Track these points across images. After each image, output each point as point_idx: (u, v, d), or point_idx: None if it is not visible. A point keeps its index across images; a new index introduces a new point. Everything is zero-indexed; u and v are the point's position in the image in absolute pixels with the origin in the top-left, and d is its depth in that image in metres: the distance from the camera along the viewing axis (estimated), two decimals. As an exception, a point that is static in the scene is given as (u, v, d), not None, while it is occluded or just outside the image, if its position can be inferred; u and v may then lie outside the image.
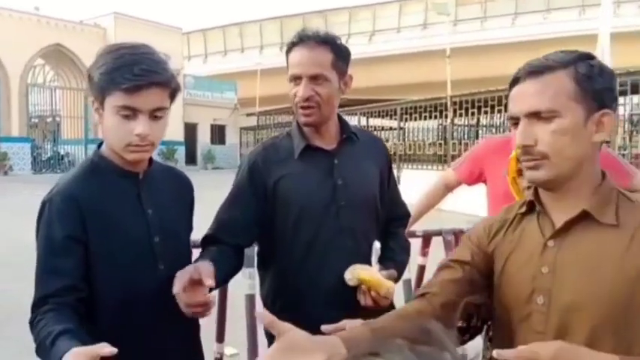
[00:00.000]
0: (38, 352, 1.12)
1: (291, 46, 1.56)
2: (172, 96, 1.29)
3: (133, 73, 1.19)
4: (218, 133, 29.47)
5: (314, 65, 1.51)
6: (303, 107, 1.54)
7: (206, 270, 1.26)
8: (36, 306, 1.18)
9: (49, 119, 23.42)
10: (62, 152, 22.80)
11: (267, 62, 27.07)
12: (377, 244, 1.59)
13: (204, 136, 28.42)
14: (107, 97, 1.23)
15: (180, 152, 25.09)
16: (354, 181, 1.60)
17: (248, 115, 25.98)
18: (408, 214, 1.85)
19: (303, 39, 1.54)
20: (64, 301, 1.17)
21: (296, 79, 1.54)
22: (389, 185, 1.74)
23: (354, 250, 1.57)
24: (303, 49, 1.53)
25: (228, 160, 28.47)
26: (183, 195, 1.49)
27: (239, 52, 32.80)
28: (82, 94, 22.26)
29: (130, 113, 1.23)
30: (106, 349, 0.98)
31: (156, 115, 1.25)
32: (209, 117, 27.77)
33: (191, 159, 26.92)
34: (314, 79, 1.52)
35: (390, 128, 15.58)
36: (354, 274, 1.50)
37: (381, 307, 1.46)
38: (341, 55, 1.56)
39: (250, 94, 27.29)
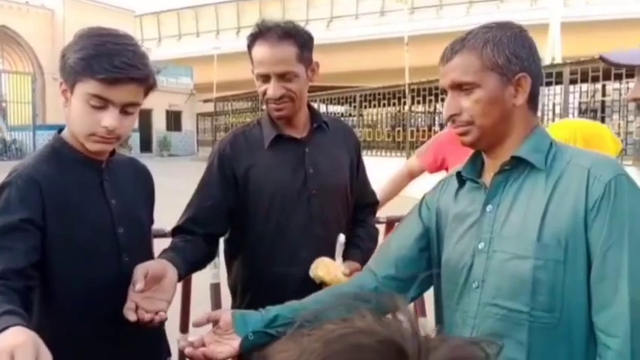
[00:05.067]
0: None
1: (253, 39, 1.52)
2: (148, 91, 1.24)
3: (113, 64, 1.13)
4: (174, 120, 28.86)
5: (281, 63, 1.48)
6: (275, 104, 1.52)
7: (140, 272, 1.19)
8: None
9: (-6, 104, 22.38)
10: (9, 139, 21.86)
11: (224, 47, 26.61)
12: (341, 238, 1.60)
13: (159, 123, 27.77)
14: (79, 82, 1.17)
15: (135, 139, 24.44)
16: (325, 169, 1.61)
17: (205, 101, 25.53)
18: (376, 202, 1.87)
19: (263, 31, 1.50)
20: (13, 286, 1.06)
21: (263, 77, 1.51)
22: (358, 173, 1.75)
23: (325, 239, 1.57)
24: (267, 46, 1.49)
25: (184, 147, 27.97)
26: (145, 186, 1.46)
27: (194, 37, 32.09)
28: (30, 78, 21.40)
29: (102, 104, 1.17)
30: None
31: (127, 110, 1.21)
32: (164, 103, 27.09)
33: (146, 146, 26.30)
34: (282, 76, 1.49)
35: (350, 115, 15.64)
36: (314, 272, 1.53)
37: None
38: (305, 45, 1.53)
39: (207, 79, 26.79)
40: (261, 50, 1.50)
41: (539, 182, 1.05)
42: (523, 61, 1.06)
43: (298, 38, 1.51)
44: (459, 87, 1.08)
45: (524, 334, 1.02)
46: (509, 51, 1.05)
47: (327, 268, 1.51)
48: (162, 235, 1.91)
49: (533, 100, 1.10)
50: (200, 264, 1.55)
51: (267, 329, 1.16)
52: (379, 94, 13.77)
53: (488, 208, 1.10)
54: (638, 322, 0.96)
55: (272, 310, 1.19)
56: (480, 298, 1.08)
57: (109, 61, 1.13)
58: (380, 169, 3.57)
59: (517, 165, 1.08)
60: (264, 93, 1.52)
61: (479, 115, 1.07)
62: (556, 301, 1.01)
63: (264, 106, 1.61)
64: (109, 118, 1.17)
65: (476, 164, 1.17)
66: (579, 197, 1.00)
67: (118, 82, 1.15)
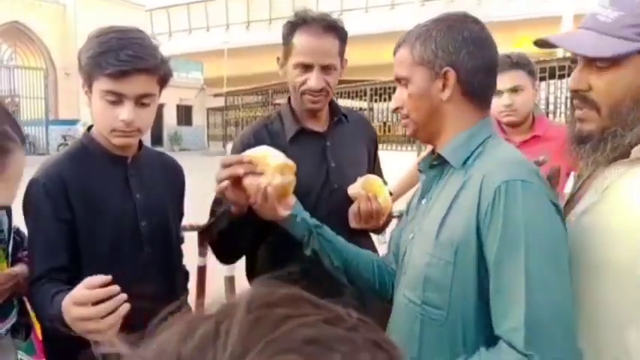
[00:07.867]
0: (39, 316, 1.24)
1: (293, 28, 1.51)
2: (162, 82, 1.29)
3: (118, 58, 1.18)
4: (184, 114, 28.97)
5: (326, 55, 1.49)
6: (313, 95, 1.51)
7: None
8: (32, 284, 1.24)
9: (8, 100, 22.55)
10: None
11: (234, 41, 26.66)
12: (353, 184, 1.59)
13: (170, 117, 27.88)
14: (94, 81, 1.23)
15: (146, 133, 24.50)
16: (346, 163, 1.61)
17: (215, 95, 25.60)
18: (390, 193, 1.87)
19: (308, 21, 1.50)
20: (57, 277, 1.22)
21: (305, 67, 1.50)
22: (374, 166, 1.75)
23: (344, 233, 1.56)
24: (312, 36, 1.49)
25: (195, 141, 28.07)
26: (173, 181, 1.49)
27: (204, 31, 32.17)
28: (42, 73, 21.58)
29: (116, 99, 1.22)
30: (99, 278, 1.04)
31: (142, 101, 1.25)
32: (175, 97, 27.20)
33: (157, 140, 26.40)
34: (325, 68, 1.49)
35: (360, 109, 15.60)
36: (360, 180, 1.54)
37: (371, 226, 1.52)
38: (344, 40, 1.55)
39: (217, 74, 26.88)
40: (305, 39, 1.49)
41: (456, 181, 1.05)
42: (451, 55, 1.05)
43: (340, 32, 1.53)
44: (399, 81, 1.12)
45: (417, 327, 1.05)
46: (435, 45, 1.06)
47: (372, 186, 1.53)
48: (189, 229, 1.98)
49: (472, 94, 1.08)
50: (254, 240, 1.56)
51: (311, 228, 1.32)
52: (390, 88, 13.73)
53: (423, 201, 1.15)
54: (533, 339, 0.89)
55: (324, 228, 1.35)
56: (401, 287, 1.15)
57: (114, 56, 1.18)
58: (391, 164, 3.56)
59: (445, 161, 1.10)
60: (302, 83, 1.51)
61: (411, 110, 1.11)
62: (444, 300, 1.01)
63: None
64: (125, 112, 1.22)
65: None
66: (473, 204, 0.98)
67: (126, 75, 1.20)
